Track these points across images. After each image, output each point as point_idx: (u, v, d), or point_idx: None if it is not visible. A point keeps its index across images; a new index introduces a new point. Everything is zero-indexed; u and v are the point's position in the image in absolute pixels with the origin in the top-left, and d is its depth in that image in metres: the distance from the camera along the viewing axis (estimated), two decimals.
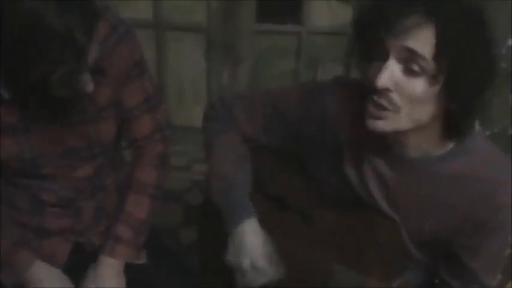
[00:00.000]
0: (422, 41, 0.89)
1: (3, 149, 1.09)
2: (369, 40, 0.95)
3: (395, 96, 0.93)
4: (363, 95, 1.00)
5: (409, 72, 0.92)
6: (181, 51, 2.47)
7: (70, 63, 0.92)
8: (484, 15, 0.92)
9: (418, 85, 0.91)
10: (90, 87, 1.00)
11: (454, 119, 0.97)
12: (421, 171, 1.04)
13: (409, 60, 0.91)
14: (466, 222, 1.03)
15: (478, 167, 1.01)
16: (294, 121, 1.17)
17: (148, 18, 2.36)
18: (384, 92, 0.93)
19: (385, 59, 0.93)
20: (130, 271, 1.27)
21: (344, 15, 2.35)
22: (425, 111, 0.95)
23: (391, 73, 0.92)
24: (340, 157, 1.12)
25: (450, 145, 1.03)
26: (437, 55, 0.89)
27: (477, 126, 1.06)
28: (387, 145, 1.04)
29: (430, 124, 0.97)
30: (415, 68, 0.90)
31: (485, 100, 0.95)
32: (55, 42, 0.89)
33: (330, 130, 1.13)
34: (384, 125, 0.96)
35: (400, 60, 0.92)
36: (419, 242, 1.10)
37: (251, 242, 1.12)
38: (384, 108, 0.95)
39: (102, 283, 1.23)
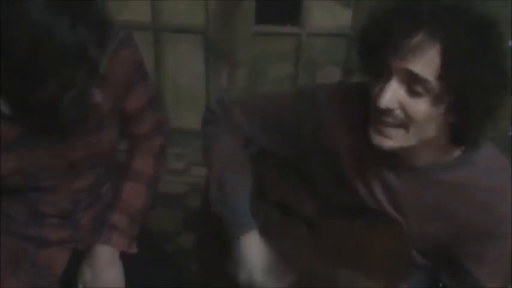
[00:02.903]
0: (426, 62, 0.87)
1: (4, 164, 1.06)
2: (373, 58, 0.94)
3: (399, 114, 0.92)
4: (363, 100, 0.98)
5: (412, 92, 0.90)
6: (179, 54, 2.46)
7: (83, 82, 0.89)
8: (494, 33, 0.89)
9: (422, 105, 0.90)
10: (98, 97, 0.98)
11: (461, 133, 0.96)
12: (426, 178, 1.03)
13: (412, 82, 0.89)
14: (468, 230, 1.03)
15: (481, 176, 1.01)
16: (293, 126, 1.16)
17: (147, 21, 2.35)
18: (388, 110, 0.92)
19: (388, 78, 0.91)
20: (128, 275, 1.26)
21: (344, 17, 2.35)
22: (431, 129, 0.94)
23: (393, 93, 0.91)
24: (343, 162, 1.11)
25: (456, 153, 1.02)
26: (442, 76, 0.87)
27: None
28: (391, 153, 1.02)
29: (436, 136, 0.96)
30: (418, 89, 0.89)
31: (495, 116, 0.93)
32: (67, 60, 0.84)
33: (330, 136, 1.12)
34: (390, 142, 0.96)
35: (403, 80, 0.91)
36: (423, 248, 1.10)
37: (250, 255, 1.12)
38: (390, 125, 0.94)
39: (100, 271, 1.20)
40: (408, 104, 0.91)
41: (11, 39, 0.82)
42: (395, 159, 1.03)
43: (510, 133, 2.43)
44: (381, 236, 1.07)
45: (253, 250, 1.12)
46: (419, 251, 1.10)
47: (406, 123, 0.93)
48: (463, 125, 0.93)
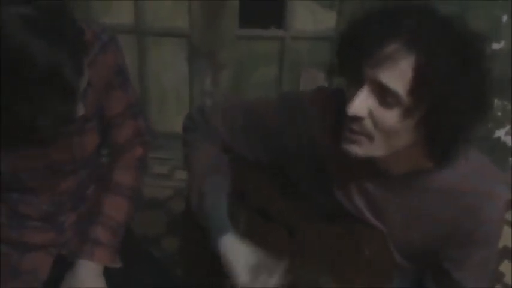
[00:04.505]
0: (397, 74, 0.85)
1: None
2: (349, 63, 0.92)
3: (368, 123, 0.91)
4: (345, 105, 0.98)
5: (383, 102, 0.88)
6: (163, 56, 2.45)
7: (59, 109, 0.88)
8: (477, 55, 0.86)
9: (391, 117, 0.88)
10: (80, 111, 0.97)
11: (432, 148, 0.95)
12: (406, 184, 1.02)
13: (383, 92, 0.87)
14: (451, 234, 1.02)
15: (465, 180, 0.99)
16: (274, 134, 1.15)
17: (130, 24, 2.34)
18: (356, 118, 0.90)
19: (361, 86, 0.89)
20: (112, 280, 1.25)
21: (328, 20, 2.35)
22: (401, 141, 0.92)
23: (363, 101, 0.89)
24: (324, 169, 1.11)
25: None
26: (413, 90, 0.84)
27: None
28: (371, 161, 1.01)
29: (411, 147, 0.95)
30: (389, 100, 0.87)
31: (467, 135, 0.91)
32: (42, 87, 0.83)
33: (312, 143, 1.11)
34: (357, 149, 0.94)
35: (374, 90, 0.88)
36: (407, 253, 1.09)
37: (230, 259, 1.10)
38: (357, 133, 0.92)
39: (82, 285, 1.19)
40: (378, 114, 0.89)
41: None
42: (373, 168, 1.02)
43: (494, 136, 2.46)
44: (362, 242, 1.07)
45: (235, 251, 1.10)
46: (404, 256, 1.10)
47: (372, 133, 0.91)
48: (433, 140, 0.92)
